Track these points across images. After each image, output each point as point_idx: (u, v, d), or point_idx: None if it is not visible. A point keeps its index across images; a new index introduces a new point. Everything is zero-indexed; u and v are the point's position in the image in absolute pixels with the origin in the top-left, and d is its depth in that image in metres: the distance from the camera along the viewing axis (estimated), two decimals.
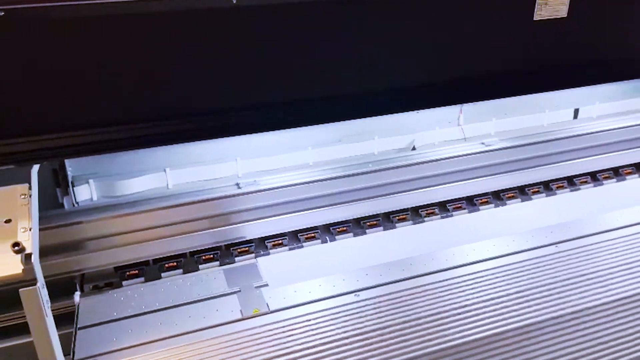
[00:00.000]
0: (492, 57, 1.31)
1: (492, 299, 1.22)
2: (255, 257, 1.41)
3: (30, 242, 0.92)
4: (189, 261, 1.39)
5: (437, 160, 1.56)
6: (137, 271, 1.35)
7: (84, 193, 1.46)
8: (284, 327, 1.14)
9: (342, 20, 1.21)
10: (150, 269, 1.36)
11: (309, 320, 1.17)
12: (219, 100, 1.24)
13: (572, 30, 1.33)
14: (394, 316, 1.18)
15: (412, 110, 1.51)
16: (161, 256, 1.37)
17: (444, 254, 1.36)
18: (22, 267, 0.91)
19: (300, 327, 1.14)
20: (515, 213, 1.60)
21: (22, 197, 0.98)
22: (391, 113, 1.50)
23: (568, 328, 1.19)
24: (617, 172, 1.77)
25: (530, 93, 1.50)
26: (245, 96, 1.25)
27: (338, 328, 1.15)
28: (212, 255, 1.40)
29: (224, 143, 1.55)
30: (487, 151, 1.61)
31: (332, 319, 1.17)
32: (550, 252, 1.37)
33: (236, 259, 1.40)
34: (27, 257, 0.91)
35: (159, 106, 1.18)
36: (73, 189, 1.43)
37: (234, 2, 1.09)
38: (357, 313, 1.18)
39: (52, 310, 1.14)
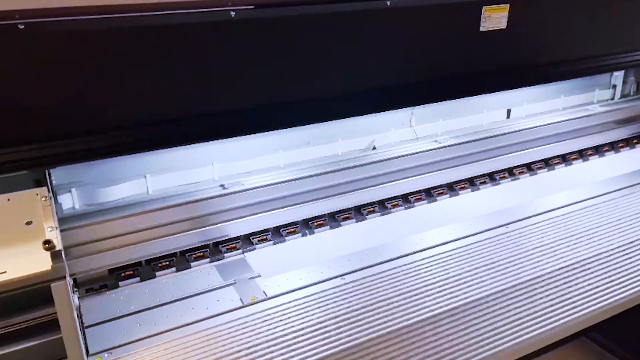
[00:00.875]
0: (445, 64, 1.51)
1: (459, 273, 1.40)
2: (243, 253, 1.51)
3: (59, 240, 0.98)
4: (180, 260, 1.47)
5: (398, 157, 1.74)
6: (131, 272, 1.41)
7: (67, 202, 1.50)
8: (285, 309, 1.26)
9: (306, 32, 1.34)
10: (144, 269, 1.43)
11: (306, 302, 1.29)
12: (197, 107, 1.33)
13: (510, 40, 1.56)
14: (377, 294, 1.32)
15: (378, 111, 1.66)
16: (153, 256, 1.44)
17: (414, 239, 1.53)
18: (51, 264, 0.97)
19: (299, 308, 1.26)
20: (467, 201, 1.80)
21: (44, 199, 1.04)
22: (356, 115, 1.67)
23: (531, 292, 1.39)
24: (547, 163, 2.03)
25: (478, 94, 1.71)
26: (220, 102, 1.35)
27: (332, 307, 1.28)
28: (202, 253, 1.49)
29: (200, 149, 1.64)
30: (440, 148, 1.80)
31: (325, 299, 1.30)
32: (501, 232, 1.58)
33: (225, 255, 1.49)
34: (57, 254, 0.97)
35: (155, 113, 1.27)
36: (56, 198, 1.46)
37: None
38: (347, 293, 1.32)
39: (48, 315, 1.20)
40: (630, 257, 1.56)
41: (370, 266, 1.42)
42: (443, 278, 1.38)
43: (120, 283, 1.38)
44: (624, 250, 1.57)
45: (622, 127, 2.19)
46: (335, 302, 1.29)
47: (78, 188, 1.48)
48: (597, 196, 1.76)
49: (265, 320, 1.23)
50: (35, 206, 1.04)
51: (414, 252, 1.47)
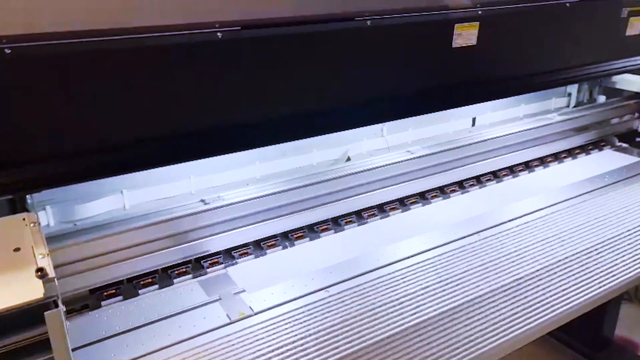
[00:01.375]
0: (422, 79, 1.56)
1: (441, 280, 1.46)
2: (225, 268, 1.52)
3: (51, 267, 0.97)
4: (162, 277, 1.46)
5: (373, 168, 1.78)
6: (113, 290, 1.39)
7: (42, 220, 1.46)
8: (273, 324, 1.28)
9: (285, 53, 1.36)
10: (126, 288, 1.41)
11: (293, 315, 1.31)
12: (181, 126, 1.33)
13: (480, 55, 1.63)
14: (362, 305, 1.36)
15: (361, 126, 1.70)
16: (135, 274, 1.43)
17: (391, 249, 1.58)
18: (44, 291, 0.96)
19: (288, 322, 1.29)
20: (439, 210, 1.87)
21: (33, 225, 1.02)
22: (336, 131, 1.71)
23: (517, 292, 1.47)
24: (512, 170, 2.13)
25: (451, 108, 1.77)
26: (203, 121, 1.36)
27: (319, 319, 1.31)
28: (184, 269, 1.48)
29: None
30: (413, 158, 1.86)
31: (311, 313, 1.32)
32: (474, 239, 1.65)
33: (208, 270, 1.50)
34: (50, 281, 0.96)
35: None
36: None
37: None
38: (332, 306, 1.35)
39: (27, 339, 1.18)
40: (591, 261, 1.66)
41: (352, 277, 1.46)
42: (422, 287, 1.44)
43: (102, 303, 1.36)
44: (585, 254, 1.67)
45: (578, 135, 2.31)
46: (322, 314, 1.32)
47: (53, 206, 1.45)
48: (560, 202, 1.86)
49: (256, 336, 1.24)
50: (23, 232, 1.02)
51: (393, 262, 1.51)
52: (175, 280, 1.45)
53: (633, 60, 1.99)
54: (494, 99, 1.97)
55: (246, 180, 1.73)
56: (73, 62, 1.05)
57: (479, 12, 1.53)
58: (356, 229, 1.73)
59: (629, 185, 2.02)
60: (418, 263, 1.51)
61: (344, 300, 1.37)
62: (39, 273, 0.95)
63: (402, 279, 1.46)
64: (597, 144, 2.39)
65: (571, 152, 2.30)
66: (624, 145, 2.43)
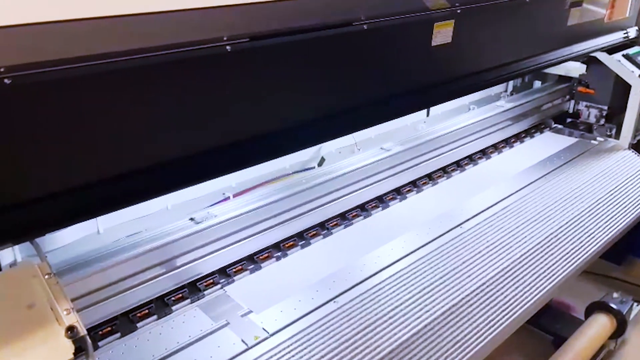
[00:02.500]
0: (405, 78, 1.55)
1: (440, 277, 1.49)
2: (222, 287, 1.44)
3: (81, 324, 0.86)
4: (158, 305, 1.36)
5: (352, 170, 1.77)
6: (109, 328, 1.27)
7: (7, 256, 1.30)
8: (292, 344, 1.24)
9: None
10: (122, 323, 1.29)
11: (311, 332, 1.28)
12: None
13: (456, 52, 1.65)
14: (375, 312, 1.36)
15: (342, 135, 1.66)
16: (129, 308, 1.31)
17: (383, 251, 1.59)
18: (73, 351, 0.86)
19: (308, 340, 1.25)
20: (415, 204, 1.90)
21: (47, 276, 0.89)
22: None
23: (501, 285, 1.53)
24: (471, 159, 2.21)
25: (431, 106, 1.79)
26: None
27: (337, 332, 1.28)
28: (181, 295, 1.39)
29: None
30: (388, 156, 1.87)
31: (329, 326, 1.30)
32: (459, 232, 1.70)
33: (205, 292, 1.41)
34: (83, 341, 0.86)
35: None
36: None
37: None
38: (347, 316, 1.33)
39: None
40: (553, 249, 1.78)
41: (357, 284, 1.44)
42: (424, 286, 1.46)
43: (99, 343, 1.24)
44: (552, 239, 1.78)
45: (524, 120, 2.45)
46: (340, 326, 1.30)
47: None
48: (521, 189, 1.97)
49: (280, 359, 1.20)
50: (33, 284, 0.89)
51: (393, 263, 1.52)
52: (173, 308, 1.36)
53: (574, 47, 2.12)
54: (463, 95, 2.03)
55: (222, 189, 1.65)
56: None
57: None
58: (343, 231, 1.72)
59: (573, 167, 2.18)
60: (412, 263, 1.53)
61: (356, 309, 1.36)
62: (70, 332, 0.84)
63: (398, 281, 1.47)
64: (538, 127, 2.55)
65: (519, 137, 2.44)
66: (559, 126, 2.61)
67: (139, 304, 1.33)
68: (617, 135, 2.41)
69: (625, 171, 2.20)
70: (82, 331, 0.85)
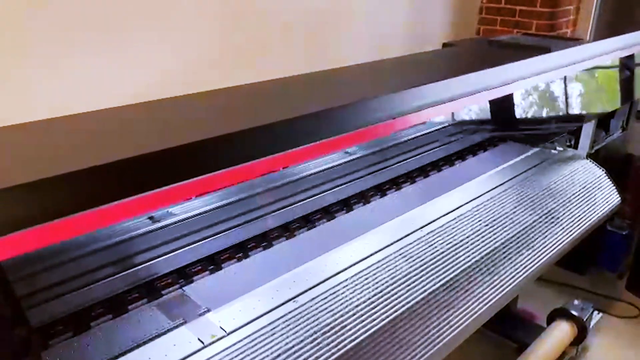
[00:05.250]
0: None
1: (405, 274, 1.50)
2: (181, 287, 1.42)
3: None
4: (114, 305, 1.33)
5: (318, 172, 1.78)
6: (60, 327, 1.24)
7: None
8: (249, 343, 1.22)
9: None
10: (74, 322, 1.26)
11: (268, 331, 1.27)
12: None
13: None
14: (334, 312, 1.36)
15: None
16: (81, 307, 1.28)
17: (347, 251, 1.59)
18: None
19: (267, 338, 1.24)
20: (379, 207, 1.91)
21: None
22: None
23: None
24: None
25: None
26: None
27: (295, 330, 1.28)
28: (137, 294, 1.36)
29: None
30: (352, 159, 1.89)
31: (287, 325, 1.29)
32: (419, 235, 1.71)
33: (163, 292, 1.39)
34: None
35: None
36: None
37: None
38: (307, 314, 1.33)
39: None
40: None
41: (317, 284, 1.44)
42: (383, 287, 1.47)
43: (50, 342, 1.21)
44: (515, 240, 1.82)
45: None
46: (298, 325, 1.29)
47: None
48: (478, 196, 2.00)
49: (237, 357, 1.18)
50: None
51: (352, 265, 1.53)
52: (129, 307, 1.33)
53: None
54: None
55: None
56: None
57: None
58: (307, 233, 1.71)
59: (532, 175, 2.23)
60: (374, 263, 1.54)
61: (316, 307, 1.36)
62: None
63: (362, 280, 1.48)
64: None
65: (481, 145, 2.49)
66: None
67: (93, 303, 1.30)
68: (576, 146, 2.48)
69: (583, 180, 2.27)
70: None
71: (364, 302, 1.41)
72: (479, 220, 1.83)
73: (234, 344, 1.22)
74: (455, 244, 1.69)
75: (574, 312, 2.41)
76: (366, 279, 1.48)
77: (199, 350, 1.20)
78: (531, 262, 1.81)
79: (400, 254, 1.60)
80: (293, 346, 1.23)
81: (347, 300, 1.40)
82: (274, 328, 1.28)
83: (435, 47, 2.67)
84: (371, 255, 1.58)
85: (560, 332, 2.37)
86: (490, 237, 1.78)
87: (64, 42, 2.27)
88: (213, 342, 1.23)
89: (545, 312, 2.53)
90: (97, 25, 2.37)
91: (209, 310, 1.33)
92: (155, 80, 2.65)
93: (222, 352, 1.19)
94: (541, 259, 1.84)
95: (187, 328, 1.27)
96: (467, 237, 1.74)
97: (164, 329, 1.26)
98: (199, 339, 1.23)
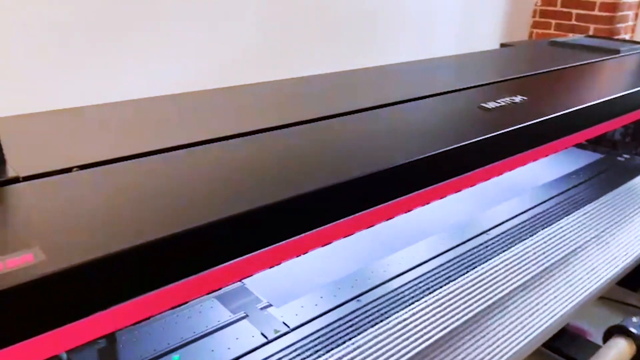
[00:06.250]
0: None
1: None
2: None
3: None
4: None
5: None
6: None
7: None
8: (314, 340, 1.18)
9: None
10: None
11: (333, 329, 1.22)
12: None
13: None
14: (398, 315, 1.30)
15: None
16: None
17: (407, 253, 1.53)
18: None
19: (329, 337, 1.19)
20: (441, 208, 1.84)
21: None
22: None
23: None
24: None
25: None
26: None
27: (360, 331, 1.22)
28: None
29: None
30: None
31: (351, 325, 1.24)
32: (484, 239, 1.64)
33: None
34: None
35: None
36: None
37: None
38: (371, 315, 1.27)
39: None
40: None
41: (380, 284, 1.39)
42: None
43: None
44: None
45: None
46: (363, 326, 1.24)
47: None
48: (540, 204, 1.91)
49: (300, 355, 1.13)
50: None
51: (417, 266, 1.47)
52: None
53: None
54: None
55: None
56: None
57: None
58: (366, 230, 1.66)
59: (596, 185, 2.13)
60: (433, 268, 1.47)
61: (379, 309, 1.30)
62: None
63: (424, 283, 1.41)
64: None
65: None
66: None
67: None
68: None
69: None
70: None
71: (426, 308, 1.34)
72: (543, 229, 1.76)
73: (299, 341, 1.17)
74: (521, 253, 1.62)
75: (633, 330, 2.29)
76: (426, 286, 1.41)
77: (262, 345, 1.16)
78: (599, 277, 1.72)
79: (462, 261, 1.53)
80: (358, 347, 1.18)
81: (408, 304, 1.34)
82: (338, 326, 1.23)
83: (486, 48, 2.58)
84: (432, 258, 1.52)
85: (618, 350, 2.25)
86: (555, 248, 1.70)
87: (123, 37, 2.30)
88: (277, 338, 1.18)
89: (596, 328, 2.41)
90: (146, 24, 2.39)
91: (270, 305, 1.29)
92: (207, 74, 2.65)
93: (287, 348, 1.15)
94: (606, 276, 1.75)
95: (249, 321, 1.23)
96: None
97: (225, 322, 1.22)
98: (262, 334, 1.19)
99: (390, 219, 1.17)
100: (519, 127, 1.40)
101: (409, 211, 1.20)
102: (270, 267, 0.96)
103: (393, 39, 3.43)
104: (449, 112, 1.55)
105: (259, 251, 0.91)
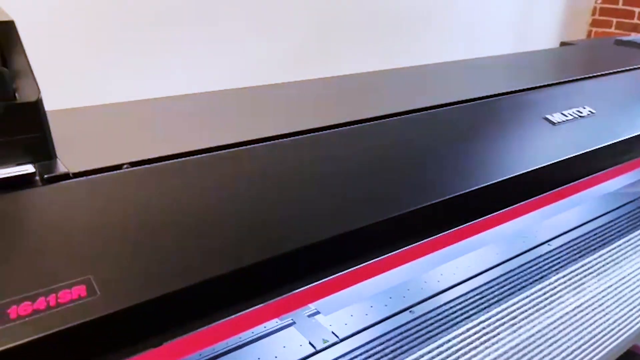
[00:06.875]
0: None
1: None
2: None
3: None
4: None
5: None
6: None
7: None
8: (366, 351, 1.11)
9: None
10: None
11: (385, 341, 1.15)
12: None
13: None
14: (454, 329, 1.22)
15: None
16: None
17: (461, 263, 1.45)
18: None
19: (380, 350, 1.12)
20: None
21: None
22: None
23: None
24: None
25: None
26: None
27: (414, 344, 1.15)
28: None
29: None
30: None
31: (404, 337, 1.17)
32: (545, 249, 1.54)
33: None
34: None
35: None
36: None
37: None
38: (424, 328, 1.20)
39: None
40: None
41: (433, 295, 1.31)
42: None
43: None
44: None
45: None
46: (416, 339, 1.17)
47: None
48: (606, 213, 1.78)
49: None
50: None
51: (471, 277, 1.38)
52: None
53: None
54: None
55: None
56: None
57: None
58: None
59: None
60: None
61: (433, 322, 1.23)
62: None
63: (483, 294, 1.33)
64: None
65: None
66: None
67: None
68: None
69: None
70: None
71: (486, 324, 1.26)
72: (611, 242, 1.63)
73: (349, 352, 1.11)
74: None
75: None
76: (486, 299, 1.33)
77: (311, 355, 1.10)
78: None
79: (523, 273, 1.43)
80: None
81: (466, 319, 1.26)
82: (390, 339, 1.16)
83: (542, 48, 2.46)
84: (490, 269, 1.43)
85: None
86: (625, 264, 1.57)
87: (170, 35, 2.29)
88: (326, 348, 1.13)
89: None
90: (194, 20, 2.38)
91: (318, 312, 1.23)
92: (255, 70, 2.62)
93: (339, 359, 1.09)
94: None
95: (297, 329, 1.18)
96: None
97: (272, 328, 1.18)
98: (310, 343, 1.14)
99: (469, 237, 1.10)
100: (591, 151, 1.30)
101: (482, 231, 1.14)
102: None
103: (446, 37, 3.32)
104: (513, 122, 1.46)
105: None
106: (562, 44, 2.51)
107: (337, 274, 0.89)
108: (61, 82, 1.97)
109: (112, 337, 0.63)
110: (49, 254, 0.66)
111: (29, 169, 0.83)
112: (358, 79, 1.76)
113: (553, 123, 1.42)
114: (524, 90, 1.63)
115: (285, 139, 1.13)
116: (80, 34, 2.12)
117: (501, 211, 1.19)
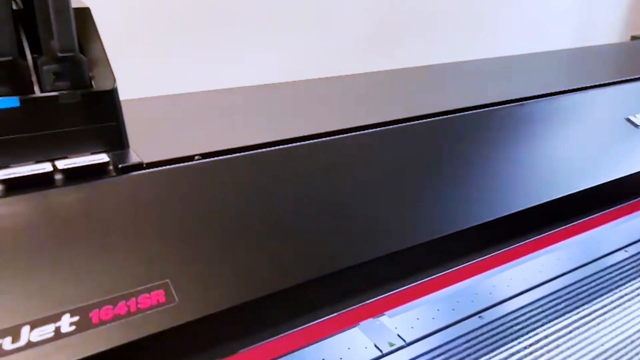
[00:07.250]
0: None
1: None
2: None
3: None
4: None
5: None
6: None
7: None
8: (434, 357, 1.06)
9: None
10: None
11: (454, 347, 1.10)
12: None
13: None
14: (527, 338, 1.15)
15: None
16: None
17: (531, 266, 1.37)
18: None
19: (450, 357, 1.07)
20: None
21: None
22: None
23: None
24: None
25: None
26: None
27: (484, 352, 1.09)
28: None
29: None
30: None
31: (474, 344, 1.11)
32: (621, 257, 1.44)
33: None
34: None
35: None
36: None
37: None
38: (495, 335, 1.14)
39: None
40: None
41: (503, 301, 1.24)
42: None
43: None
44: None
45: None
46: (487, 347, 1.11)
47: None
48: None
49: None
50: None
51: (543, 283, 1.30)
52: None
53: None
54: None
55: None
56: None
57: None
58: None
59: None
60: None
61: (505, 329, 1.16)
62: None
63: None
64: None
65: None
66: None
67: None
68: None
69: None
70: None
71: (561, 332, 1.19)
72: None
73: (416, 358, 1.06)
74: None
75: None
76: (560, 306, 1.25)
77: (377, 358, 1.06)
78: None
79: (598, 280, 1.34)
80: None
81: (538, 326, 1.19)
82: (459, 345, 1.10)
83: (606, 42, 2.33)
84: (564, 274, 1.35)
85: None
86: None
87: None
88: (392, 352, 1.08)
89: None
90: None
91: (383, 314, 1.19)
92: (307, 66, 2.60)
93: None
94: None
95: (361, 330, 1.14)
96: None
97: (337, 330, 1.14)
98: (375, 346, 1.09)
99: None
100: None
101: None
102: None
103: (502, 31, 3.21)
104: (593, 120, 1.36)
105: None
106: (633, 38, 2.37)
107: (417, 282, 0.84)
108: (131, 71, 1.98)
109: (191, 344, 0.60)
110: (127, 252, 0.64)
111: (103, 158, 0.81)
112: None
113: (636, 125, 1.33)
114: (600, 85, 1.54)
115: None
116: (154, 23, 2.14)
117: (581, 220, 1.11)
